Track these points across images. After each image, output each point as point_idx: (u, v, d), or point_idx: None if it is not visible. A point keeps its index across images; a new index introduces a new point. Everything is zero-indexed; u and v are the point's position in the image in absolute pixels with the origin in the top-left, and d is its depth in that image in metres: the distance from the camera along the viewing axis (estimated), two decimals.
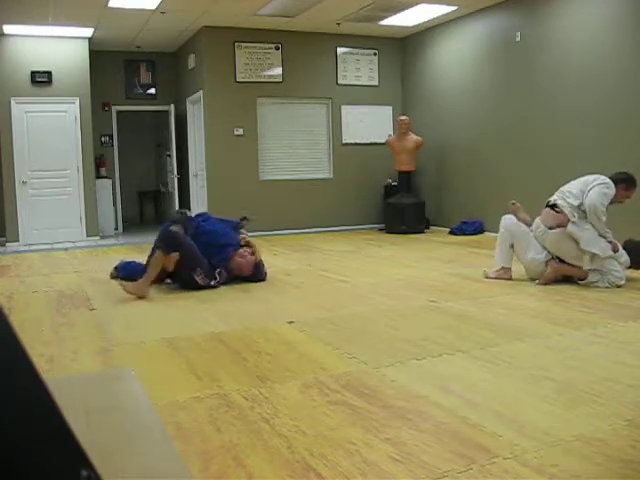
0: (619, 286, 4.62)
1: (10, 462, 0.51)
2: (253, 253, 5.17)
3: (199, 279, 4.81)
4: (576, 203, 4.66)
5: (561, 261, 4.80)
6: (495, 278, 5.05)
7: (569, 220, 4.65)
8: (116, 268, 5.35)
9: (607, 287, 4.61)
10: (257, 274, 5.20)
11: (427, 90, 9.62)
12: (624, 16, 6.35)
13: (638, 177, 4.82)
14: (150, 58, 10.48)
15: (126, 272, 5.19)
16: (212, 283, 4.91)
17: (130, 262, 5.36)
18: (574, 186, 4.79)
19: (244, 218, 5.58)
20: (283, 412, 2.34)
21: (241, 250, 5.12)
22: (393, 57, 10.12)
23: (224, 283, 5.04)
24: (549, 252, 4.83)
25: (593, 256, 4.61)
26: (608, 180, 4.68)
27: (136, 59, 10.40)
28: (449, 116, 9.13)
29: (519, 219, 5.03)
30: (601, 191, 4.61)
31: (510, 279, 5.03)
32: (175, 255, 4.71)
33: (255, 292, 4.90)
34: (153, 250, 4.90)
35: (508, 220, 5.07)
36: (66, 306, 4.54)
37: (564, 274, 4.84)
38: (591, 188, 4.63)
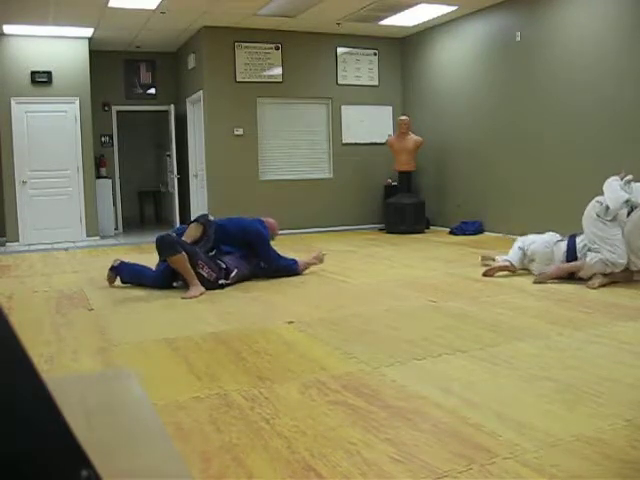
0: (615, 265, 4.58)
1: (10, 462, 0.51)
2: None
3: (204, 272, 4.86)
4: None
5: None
6: (491, 266, 5.19)
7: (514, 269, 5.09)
8: (113, 268, 5.18)
9: (605, 266, 4.58)
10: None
11: (427, 90, 9.62)
12: (624, 16, 6.35)
13: (638, 177, 4.81)
14: (150, 58, 10.48)
15: (131, 276, 5.19)
16: (220, 282, 4.94)
17: (133, 264, 5.33)
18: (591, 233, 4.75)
19: None
20: (283, 412, 2.34)
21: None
22: (393, 57, 10.12)
23: (240, 280, 5.16)
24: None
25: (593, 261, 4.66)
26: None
27: (136, 59, 10.39)
28: (449, 116, 9.13)
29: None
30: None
31: (504, 269, 5.13)
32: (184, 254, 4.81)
33: (255, 292, 4.90)
34: (163, 261, 4.94)
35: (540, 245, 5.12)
36: (66, 306, 4.54)
37: (566, 272, 4.85)
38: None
